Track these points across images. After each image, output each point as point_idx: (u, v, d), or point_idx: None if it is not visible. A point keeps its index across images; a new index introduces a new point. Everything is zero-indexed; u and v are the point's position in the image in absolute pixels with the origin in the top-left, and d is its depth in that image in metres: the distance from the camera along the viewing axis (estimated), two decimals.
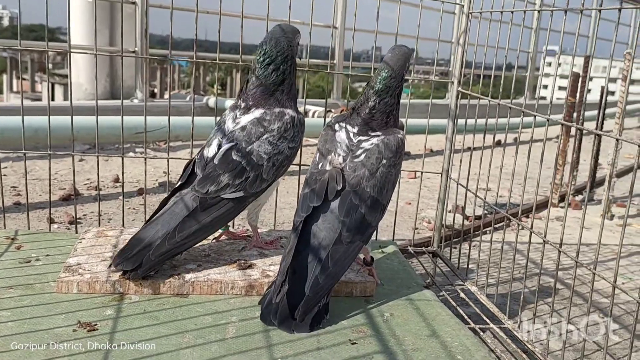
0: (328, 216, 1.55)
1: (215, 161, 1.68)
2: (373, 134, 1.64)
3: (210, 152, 1.71)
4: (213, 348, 1.36)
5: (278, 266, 1.75)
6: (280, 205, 3.26)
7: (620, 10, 1.36)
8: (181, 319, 1.48)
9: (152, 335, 1.38)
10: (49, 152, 2.01)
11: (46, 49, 1.91)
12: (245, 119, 1.73)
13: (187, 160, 1.81)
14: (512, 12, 1.86)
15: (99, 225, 2.15)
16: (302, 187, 1.64)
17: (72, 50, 1.97)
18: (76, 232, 2.10)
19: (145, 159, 2.14)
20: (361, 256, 1.78)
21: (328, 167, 1.60)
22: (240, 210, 1.74)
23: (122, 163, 2.12)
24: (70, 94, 2.14)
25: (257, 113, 1.73)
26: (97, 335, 1.36)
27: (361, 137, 1.63)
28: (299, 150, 1.83)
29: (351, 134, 1.64)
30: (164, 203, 1.72)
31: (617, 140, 1.43)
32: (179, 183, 1.73)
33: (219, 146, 1.71)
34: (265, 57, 1.73)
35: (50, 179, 2.03)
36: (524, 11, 1.80)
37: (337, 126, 1.68)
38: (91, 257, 1.71)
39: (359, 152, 1.61)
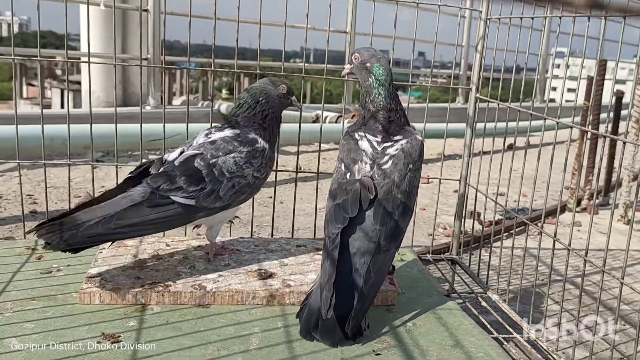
0: (364, 226, 1.53)
1: (176, 163, 1.67)
2: (395, 138, 1.63)
3: (171, 156, 1.71)
4: (237, 359, 1.35)
5: (299, 275, 1.75)
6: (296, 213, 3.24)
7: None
8: (204, 330, 1.48)
9: (175, 346, 1.38)
10: (68, 162, 2.01)
11: (66, 59, 1.91)
12: (217, 135, 1.74)
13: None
14: (532, 19, 1.85)
15: None
16: (328, 199, 1.61)
17: (91, 60, 1.98)
18: None
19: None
20: None
21: (357, 176, 1.58)
22: (186, 221, 1.70)
23: None
24: (90, 103, 2.15)
25: (230, 132, 1.75)
26: (121, 347, 1.36)
27: (385, 144, 1.63)
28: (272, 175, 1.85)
29: (374, 142, 1.63)
30: (112, 191, 1.68)
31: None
32: (129, 176, 1.70)
33: (181, 153, 1.71)
34: (240, 99, 1.81)
35: (70, 189, 2.04)
36: (545, 17, 1.79)
37: (357, 135, 1.66)
38: (112, 268, 1.71)
39: (385, 158, 1.60)
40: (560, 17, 1.66)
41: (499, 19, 2.02)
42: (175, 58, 6.70)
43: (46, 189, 2.01)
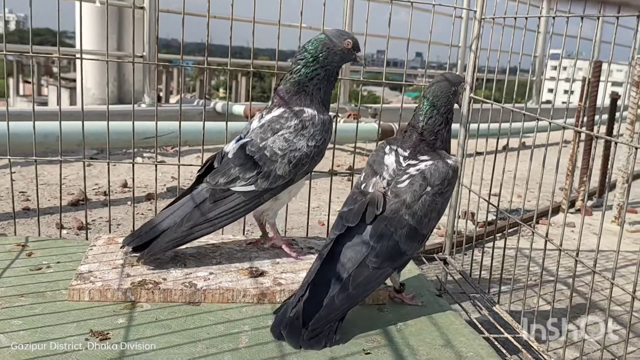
0: (359, 238, 1.53)
1: (230, 155, 1.72)
2: (422, 158, 1.60)
3: (228, 147, 1.77)
4: (226, 358, 1.35)
5: (290, 274, 1.75)
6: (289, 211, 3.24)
7: (638, 17, 1.34)
8: (193, 327, 1.47)
9: (164, 344, 1.37)
10: (59, 158, 2.00)
11: (58, 55, 1.90)
12: (266, 118, 1.76)
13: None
14: (526, 18, 1.85)
15: (109, 232, 2.14)
16: (343, 205, 1.61)
17: (84, 56, 1.97)
18: (86, 239, 2.10)
19: (156, 165, 2.13)
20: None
21: (371, 190, 1.58)
22: (254, 205, 1.74)
23: (133, 169, 2.12)
24: (82, 100, 2.13)
25: (277, 112, 1.75)
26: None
27: (410, 162, 1.60)
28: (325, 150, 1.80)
29: (401, 158, 1.61)
30: (185, 193, 1.78)
31: (637, 148, 1.41)
32: (198, 174, 1.78)
33: (237, 141, 1.75)
34: (300, 53, 1.75)
35: (60, 185, 2.02)
36: (539, 17, 1.79)
37: (387, 148, 1.65)
38: (102, 265, 1.70)
39: (404, 177, 1.57)
40: (553, 17, 1.65)
41: (493, 18, 2.02)
42: (172, 56, 6.68)
43: (37, 186, 2.00)
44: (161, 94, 13.27)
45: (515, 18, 1.90)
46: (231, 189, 1.69)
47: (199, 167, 1.81)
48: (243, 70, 2.23)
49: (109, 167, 2.07)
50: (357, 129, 2.59)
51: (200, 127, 2.12)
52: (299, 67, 1.74)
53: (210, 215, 1.68)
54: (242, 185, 1.69)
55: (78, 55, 1.85)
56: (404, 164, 1.60)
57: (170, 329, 1.45)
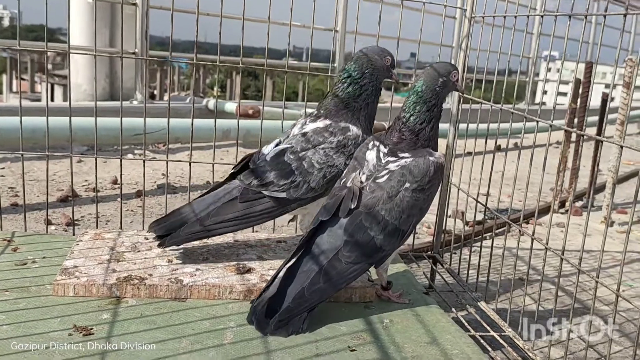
0: (334, 232, 1.53)
1: (267, 158, 1.72)
2: (402, 155, 1.57)
3: (267, 149, 1.76)
4: (210, 354, 1.34)
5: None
6: None
7: (625, 16, 1.35)
8: (178, 323, 1.46)
9: (148, 340, 1.36)
10: (46, 153, 1.99)
11: (45, 49, 1.89)
12: (310, 127, 1.75)
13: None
14: (515, 17, 1.85)
15: (97, 228, 2.13)
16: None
17: (71, 51, 1.96)
18: (73, 234, 2.09)
19: (144, 161, 2.12)
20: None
21: (349, 184, 1.57)
22: (281, 212, 1.74)
23: (121, 165, 2.11)
24: (69, 95, 2.12)
25: (322, 123, 1.75)
26: (92, 340, 1.34)
27: (390, 158, 1.58)
28: None
29: (381, 154, 1.59)
30: (216, 186, 1.78)
31: (622, 147, 1.42)
32: (232, 172, 1.79)
33: (277, 145, 1.75)
34: (345, 72, 1.76)
35: (47, 181, 2.01)
36: (527, 16, 1.79)
37: (371, 144, 1.63)
38: (88, 260, 1.69)
39: (383, 173, 1.56)
40: (542, 16, 1.66)
41: (483, 17, 2.02)
42: (164, 53, 6.65)
43: (24, 181, 1.99)
44: (155, 92, 13.24)
45: (504, 17, 1.90)
46: (263, 192, 1.70)
47: (236, 164, 1.81)
48: (232, 67, 2.22)
49: (96, 163, 2.06)
50: None
51: (189, 125, 2.11)
52: (344, 85, 1.75)
53: (238, 214, 1.69)
54: (274, 191, 1.69)
55: (67, 51, 1.84)
56: (383, 160, 1.58)
57: (155, 325, 1.44)
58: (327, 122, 1.75)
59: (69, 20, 1.87)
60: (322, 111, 1.78)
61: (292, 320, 1.46)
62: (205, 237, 1.75)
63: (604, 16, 1.44)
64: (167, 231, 1.71)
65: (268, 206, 1.70)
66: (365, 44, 1.97)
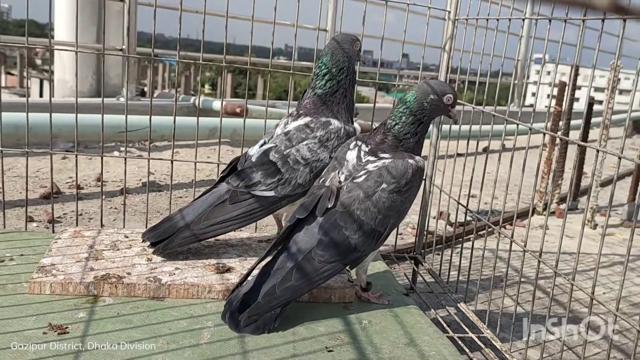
0: (310, 231, 1.53)
1: (253, 159, 1.75)
2: (382, 155, 1.56)
3: (253, 150, 1.79)
4: (186, 354, 1.33)
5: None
6: None
7: (603, 20, 1.35)
8: (155, 323, 1.45)
9: (124, 339, 1.36)
10: (26, 149, 1.97)
11: (26, 44, 1.88)
12: (292, 125, 1.78)
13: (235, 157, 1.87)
14: (497, 20, 1.86)
15: (77, 225, 2.11)
16: None
17: (53, 47, 1.94)
18: (53, 232, 2.07)
19: (125, 159, 2.11)
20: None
21: (328, 184, 1.57)
22: (271, 210, 1.76)
23: (102, 162, 2.09)
24: (50, 90, 2.11)
25: (303, 120, 1.77)
26: (67, 339, 1.33)
27: (370, 158, 1.57)
28: None
29: (362, 153, 1.58)
30: (206, 191, 1.80)
31: (598, 151, 1.43)
32: (221, 175, 1.81)
33: (261, 146, 1.78)
34: (321, 68, 1.77)
35: (27, 177, 1.99)
36: (509, 19, 1.80)
37: (353, 144, 1.63)
38: (66, 258, 1.68)
39: (361, 173, 1.55)
40: (523, 20, 1.67)
41: (467, 19, 2.03)
42: (148, 49, 6.61)
43: (2, 177, 1.97)
44: (146, 89, 13.19)
45: (487, 19, 1.91)
46: (251, 192, 1.72)
47: (225, 168, 1.82)
48: (216, 64, 2.22)
49: (76, 160, 2.05)
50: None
51: (177, 123, 2.11)
52: (320, 80, 1.77)
53: (228, 216, 1.71)
54: (262, 190, 1.72)
55: (49, 47, 1.83)
56: (363, 160, 1.58)
57: (132, 324, 1.43)
58: (308, 119, 1.77)
59: (50, 15, 1.85)
60: (301, 110, 1.80)
61: (263, 317, 1.46)
62: (198, 241, 1.76)
63: (583, 20, 1.45)
64: (160, 238, 1.73)
65: (257, 206, 1.72)
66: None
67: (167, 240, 1.71)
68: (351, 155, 1.60)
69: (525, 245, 1.64)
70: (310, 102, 1.78)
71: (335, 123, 1.76)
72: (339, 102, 1.78)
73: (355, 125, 1.82)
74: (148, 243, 1.75)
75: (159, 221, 1.80)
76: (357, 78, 1.84)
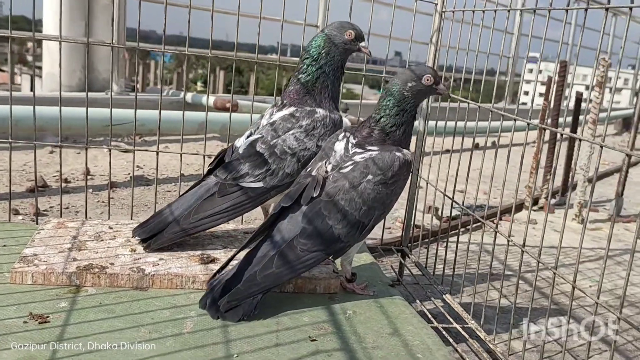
0: (294, 219, 1.53)
1: (240, 150, 1.74)
2: (370, 148, 1.56)
3: (239, 142, 1.78)
4: (168, 343, 1.33)
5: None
6: None
7: (586, 10, 1.36)
8: (138, 312, 1.45)
9: (105, 328, 1.35)
10: (9, 140, 1.96)
11: (10, 34, 1.86)
12: (277, 115, 1.77)
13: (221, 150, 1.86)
14: (483, 12, 1.86)
15: (61, 217, 2.10)
16: None
17: (36, 37, 1.93)
18: (36, 224, 2.05)
19: (110, 150, 2.10)
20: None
21: (314, 173, 1.57)
22: (260, 201, 1.76)
23: (87, 153, 2.08)
24: (32, 83, 2.09)
25: (288, 110, 1.76)
26: (48, 328, 1.32)
27: (357, 150, 1.57)
28: None
29: (350, 145, 1.58)
30: (194, 185, 1.79)
31: (580, 140, 1.43)
32: (209, 168, 1.81)
33: (248, 137, 1.77)
34: (306, 52, 1.76)
35: (10, 170, 1.98)
36: (495, 10, 1.80)
37: (342, 135, 1.63)
38: (49, 248, 1.67)
39: (348, 163, 1.55)
40: (508, 11, 1.67)
41: (453, 12, 2.03)
42: (133, 44, 6.58)
43: None
44: (137, 85, 13.15)
45: (473, 12, 1.91)
46: (240, 184, 1.71)
47: (212, 160, 1.82)
48: (217, 62, 2.21)
49: (60, 152, 2.04)
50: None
51: (166, 117, 2.11)
52: (304, 67, 1.76)
53: (218, 209, 1.71)
54: (250, 181, 1.71)
55: (41, 37, 1.82)
56: (350, 151, 1.58)
57: (114, 314, 1.43)
58: (293, 108, 1.77)
59: (34, 5, 1.83)
60: (285, 100, 1.79)
61: (243, 304, 1.46)
62: (189, 235, 1.75)
63: (566, 11, 1.45)
64: (151, 234, 1.72)
65: (246, 197, 1.72)
66: None
67: (158, 235, 1.71)
68: (339, 146, 1.60)
69: (509, 236, 1.65)
70: (294, 91, 1.78)
71: (321, 111, 1.75)
72: (322, 91, 1.76)
73: (346, 120, 1.81)
74: (138, 239, 1.74)
75: (148, 217, 1.79)
76: (344, 68, 1.81)
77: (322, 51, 1.74)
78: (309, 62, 1.75)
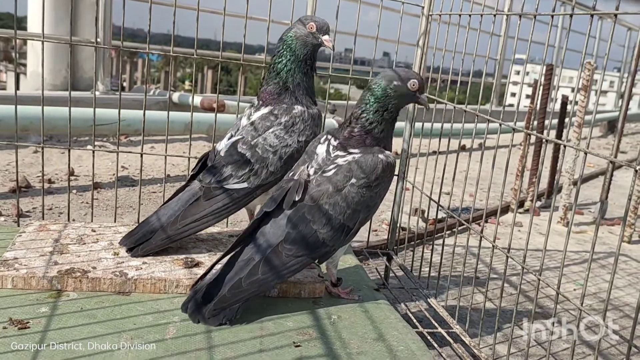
0: (277, 224, 1.52)
1: (222, 153, 1.74)
2: (352, 150, 1.55)
3: (220, 145, 1.78)
4: (150, 348, 1.31)
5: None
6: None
7: (571, 16, 1.36)
8: (120, 317, 1.43)
9: (86, 334, 1.33)
10: None
11: None
12: (255, 115, 1.77)
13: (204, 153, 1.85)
14: (469, 15, 1.86)
15: (43, 219, 2.07)
16: None
17: (18, 36, 1.90)
18: (18, 226, 2.02)
19: (93, 151, 2.07)
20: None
21: (296, 177, 1.56)
22: (246, 202, 1.75)
23: (69, 154, 2.06)
24: (15, 82, 2.07)
25: (266, 109, 1.77)
26: (28, 334, 1.30)
27: (339, 153, 1.56)
28: None
29: (331, 147, 1.57)
30: (179, 191, 1.78)
31: (565, 146, 1.44)
32: (192, 173, 1.80)
33: (229, 139, 1.76)
34: (274, 55, 1.77)
35: None
36: (481, 15, 1.80)
37: (324, 138, 1.62)
38: (30, 252, 1.64)
39: (331, 167, 1.54)
40: (494, 15, 1.67)
41: (440, 15, 2.03)
42: (130, 43, 6.55)
43: None
44: (125, 84, 13.05)
45: (460, 15, 1.91)
46: (224, 186, 1.71)
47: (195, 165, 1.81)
48: (205, 62, 2.19)
49: (43, 152, 2.01)
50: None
51: (152, 117, 2.09)
52: (276, 64, 1.76)
53: (204, 213, 1.70)
54: (234, 183, 1.71)
55: (22, 37, 1.79)
56: (332, 154, 1.57)
57: (96, 319, 1.41)
58: (270, 107, 1.77)
59: (16, 3, 1.81)
60: (262, 100, 1.80)
61: (225, 309, 1.45)
62: (177, 240, 1.73)
63: (552, 16, 1.46)
64: (138, 243, 1.71)
65: (232, 199, 1.71)
66: (341, 43, 1.95)
67: (145, 243, 1.70)
68: (321, 149, 1.59)
69: (494, 240, 1.65)
70: (269, 91, 1.78)
71: (298, 107, 1.76)
72: (295, 88, 1.76)
73: (333, 121, 1.81)
74: (125, 247, 1.72)
75: (134, 226, 1.78)
76: (314, 62, 1.79)
77: (287, 47, 1.74)
78: (276, 59, 1.76)
